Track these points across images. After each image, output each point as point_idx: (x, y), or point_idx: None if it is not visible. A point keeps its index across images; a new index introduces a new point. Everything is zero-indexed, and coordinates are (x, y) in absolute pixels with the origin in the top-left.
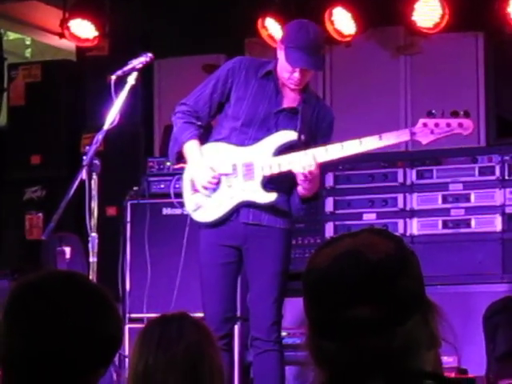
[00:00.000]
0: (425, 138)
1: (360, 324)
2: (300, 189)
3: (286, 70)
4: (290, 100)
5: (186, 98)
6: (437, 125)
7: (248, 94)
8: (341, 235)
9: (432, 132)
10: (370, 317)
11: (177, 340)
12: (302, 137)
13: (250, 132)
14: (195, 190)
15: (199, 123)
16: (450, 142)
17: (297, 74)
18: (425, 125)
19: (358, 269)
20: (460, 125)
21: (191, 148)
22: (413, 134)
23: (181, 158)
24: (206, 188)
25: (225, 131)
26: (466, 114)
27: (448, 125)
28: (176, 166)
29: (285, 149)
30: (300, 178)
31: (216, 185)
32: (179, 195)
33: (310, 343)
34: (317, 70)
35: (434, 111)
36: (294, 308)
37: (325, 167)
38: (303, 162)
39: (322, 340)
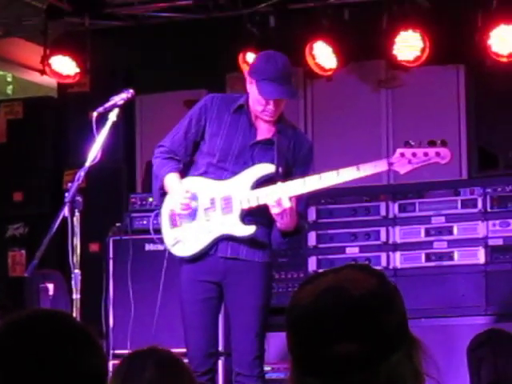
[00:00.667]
0: (402, 168)
1: (343, 360)
2: (277, 224)
3: (259, 104)
4: (264, 132)
5: (163, 140)
6: (414, 154)
7: (222, 129)
8: (323, 271)
9: (410, 162)
10: (352, 353)
11: (139, 376)
12: (280, 169)
13: (227, 167)
14: (174, 225)
15: (178, 158)
16: (433, 175)
17: (271, 106)
18: (402, 155)
19: (341, 305)
20: (437, 154)
21: (171, 179)
22: (390, 164)
23: (164, 194)
24: (185, 209)
25: (202, 167)
26: (443, 143)
27: (425, 154)
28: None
29: (263, 182)
30: (274, 212)
31: (193, 214)
32: (159, 231)
33: (294, 379)
34: (290, 99)
35: (411, 141)
36: (277, 342)
37: (307, 201)
38: (274, 197)
39: (305, 376)
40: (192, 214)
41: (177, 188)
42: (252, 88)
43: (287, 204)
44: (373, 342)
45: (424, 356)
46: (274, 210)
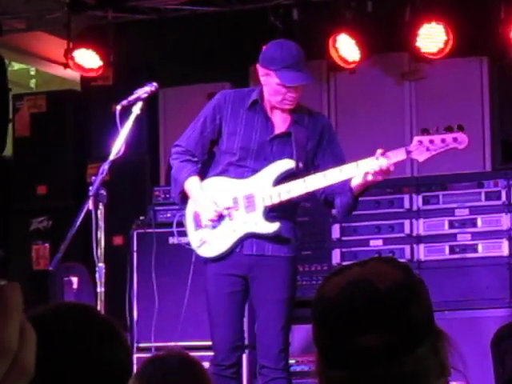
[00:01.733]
0: (421, 156)
1: (370, 352)
2: (360, 186)
3: (278, 93)
4: (280, 125)
5: (178, 140)
6: (431, 141)
7: (238, 127)
8: (349, 264)
9: (428, 149)
10: (378, 345)
11: (162, 380)
12: (300, 164)
13: (247, 164)
14: (199, 226)
15: (195, 159)
16: (456, 167)
17: (292, 93)
18: (420, 142)
19: (368, 297)
20: (455, 139)
21: (192, 184)
22: (409, 152)
23: (184, 197)
24: (212, 221)
25: (222, 166)
26: (460, 128)
27: (443, 140)
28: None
29: (284, 177)
30: (372, 179)
31: (220, 218)
32: (181, 224)
33: (320, 371)
34: (311, 82)
35: (427, 128)
36: (302, 335)
37: None
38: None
39: (331, 368)
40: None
41: (201, 196)
42: (269, 79)
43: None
44: (399, 334)
45: (450, 349)
46: (377, 177)
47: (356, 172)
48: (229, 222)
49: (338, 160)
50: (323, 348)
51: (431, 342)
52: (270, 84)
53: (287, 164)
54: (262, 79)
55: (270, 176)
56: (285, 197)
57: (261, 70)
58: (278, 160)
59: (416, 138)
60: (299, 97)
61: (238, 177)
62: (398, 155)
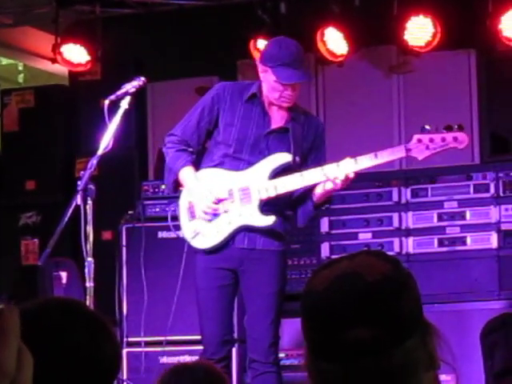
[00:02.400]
0: (420, 154)
1: (357, 345)
2: (317, 197)
3: (276, 90)
4: (277, 120)
5: (173, 129)
6: (431, 140)
7: (236, 119)
8: (338, 258)
9: (427, 147)
10: (367, 338)
11: None
12: (297, 158)
13: (243, 157)
14: (193, 217)
15: (191, 149)
16: (445, 160)
17: (288, 91)
18: (419, 140)
19: (356, 290)
20: (455, 139)
21: (187, 174)
22: (408, 150)
23: (178, 186)
24: (206, 213)
25: (217, 158)
26: (460, 128)
27: (443, 139)
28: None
29: (280, 171)
30: (327, 188)
31: (215, 210)
32: (175, 218)
33: (309, 365)
34: (308, 81)
35: (427, 127)
36: (292, 329)
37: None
38: (335, 174)
39: (320, 362)
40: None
41: (196, 187)
42: (267, 75)
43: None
44: (387, 327)
45: (439, 341)
46: (330, 186)
47: (354, 168)
48: (224, 214)
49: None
50: (312, 341)
51: (420, 335)
52: (268, 81)
53: (284, 158)
54: (261, 76)
55: (266, 169)
56: (281, 190)
57: (260, 67)
58: (274, 154)
59: (416, 137)
60: (297, 95)
61: (233, 169)
62: (397, 153)
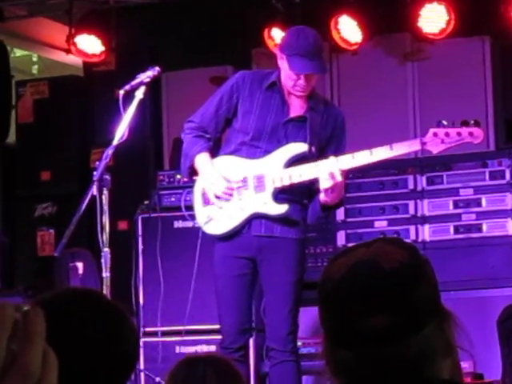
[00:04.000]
0: (435, 148)
1: (375, 333)
2: (322, 196)
3: (290, 79)
4: (296, 109)
5: (192, 116)
6: (447, 134)
7: (254, 107)
8: (355, 245)
9: (442, 141)
10: (384, 326)
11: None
12: (313, 149)
13: (260, 145)
14: (206, 203)
15: (208, 136)
16: (460, 148)
17: (302, 81)
18: (435, 134)
19: (373, 278)
20: (470, 134)
21: (202, 160)
22: (423, 143)
23: (193, 172)
24: (219, 198)
25: (234, 145)
26: (476, 123)
27: (458, 134)
28: (186, 179)
29: (295, 160)
30: (324, 186)
31: (228, 195)
32: (190, 208)
33: (327, 352)
34: (321, 74)
35: (443, 121)
36: (308, 317)
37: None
38: (327, 170)
39: (338, 349)
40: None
41: (211, 172)
42: (283, 63)
43: (339, 178)
44: (404, 314)
45: (456, 328)
46: (326, 184)
47: (370, 159)
48: (238, 200)
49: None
50: (329, 329)
51: (438, 322)
52: (284, 69)
53: (300, 147)
54: (279, 63)
55: (281, 158)
56: (296, 180)
57: (278, 54)
58: (292, 142)
59: (431, 130)
60: (312, 85)
61: (250, 156)
62: (413, 145)
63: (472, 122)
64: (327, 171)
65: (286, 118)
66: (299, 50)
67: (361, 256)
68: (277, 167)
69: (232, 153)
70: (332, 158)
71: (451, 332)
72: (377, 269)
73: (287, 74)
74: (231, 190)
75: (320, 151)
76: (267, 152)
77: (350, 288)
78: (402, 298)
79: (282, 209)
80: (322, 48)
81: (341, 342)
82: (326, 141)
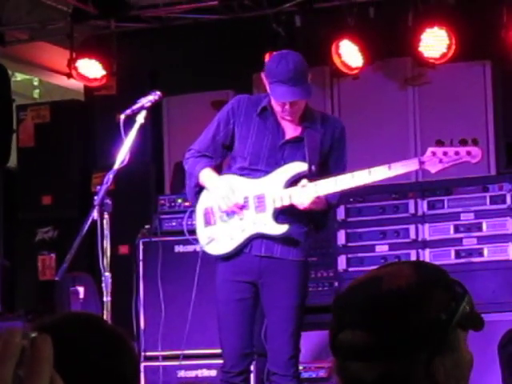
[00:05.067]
0: (433, 167)
1: (349, 348)
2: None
3: (277, 105)
4: (291, 131)
5: (192, 145)
6: (445, 153)
7: (251, 132)
8: (392, 262)
9: (441, 161)
10: (360, 343)
11: None
12: (313, 167)
13: (259, 168)
14: (208, 223)
15: (210, 155)
16: (461, 172)
17: (287, 107)
18: (433, 153)
19: (367, 296)
20: (468, 153)
21: (208, 174)
22: (422, 163)
23: (199, 192)
24: (227, 211)
25: (234, 170)
26: (475, 142)
27: (456, 153)
28: (187, 204)
29: (296, 180)
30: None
31: (238, 208)
32: (192, 232)
33: (335, 362)
34: (304, 99)
35: (442, 140)
36: (310, 342)
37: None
38: (301, 198)
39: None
40: (227, 213)
41: (217, 186)
42: (269, 89)
43: (311, 204)
44: (383, 337)
45: (460, 367)
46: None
47: (368, 179)
48: (238, 221)
49: (339, 169)
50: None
51: (429, 354)
52: (271, 94)
53: (300, 167)
54: (267, 88)
55: (282, 178)
56: (296, 200)
57: (264, 80)
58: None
59: (430, 149)
60: (300, 109)
61: (250, 178)
62: (411, 165)
63: (470, 141)
64: (298, 203)
65: (281, 140)
66: (279, 77)
67: (376, 273)
68: (277, 187)
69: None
70: (311, 184)
71: (444, 368)
72: (375, 287)
73: (274, 100)
74: (240, 205)
75: (322, 165)
76: (267, 173)
77: (346, 301)
78: (384, 321)
79: (282, 229)
80: (304, 72)
81: (332, 349)
82: (328, 152)
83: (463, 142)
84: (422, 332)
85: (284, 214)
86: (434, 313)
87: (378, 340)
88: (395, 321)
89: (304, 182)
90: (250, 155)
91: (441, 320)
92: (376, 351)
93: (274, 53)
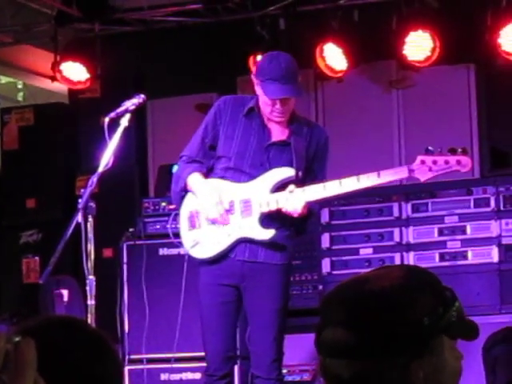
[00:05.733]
0: (423, 175)
1: (331, 344)
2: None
3: (267, 105)
4: (277, 133)
5: (183, 151)
6: (435, 162)
7: (236, 132)
8: (382, 266)
9: (430, 169)
10: (341, 340)
11: None
12: (300, 173)
13: (243, 169)
14: (192, 227)
15: (201, 161)
16: (445, 175)
17: (278, 106)
18: (423, 162)
19: (352, 294)
20: (458, 162)
21: (196, 179)
22: (411, 171)
23: (185, 196)
24: (214, 220)
25: (219, 171)
26: (464, 151)
27: (446, 162)
28: (171, 207)
29: (282, 185)
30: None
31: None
32: (177, 235)
33: (319, 359)
34: (296, 97)
35: (431, 148)
36: (294, 345)
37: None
38: (292, 205)
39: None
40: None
41: (205, 192)
42: (259, 89)
43: (303, 210)
44: (364, 337)
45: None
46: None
47: (356, 186)
48: (224, 225)
49: (321, 177)
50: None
51: (409, 359)
52: (261, 95)
53: (287, 172)
54: (256, 89)
55: (268, 182)
56: (282, 205)
57: (254, 80)
58: (275, 166)
59: (419, 158)
60: (290, 110)
61: (235, 181)
62: (400, 173)
63: (460, 150)
64: (291, 206)
65: (267, 141)
66: (272, 75)
67: (363, 274)
68: (263, 192)
69: (218, 178)
70: (299, 190)
71: (423, 373)
72: (360, 288)
73: (264, 101)
74: (226, 211)
75: (306, 171)
76: (252, 176)
77: (330, 299)
78: (366, 321)
79: (268, 234)
80: (295, 72)
81: (316, 346)
82: (312, 160)
83: (453, 151)
84: (401, 334)
85: (269, 218)
86: (416, 316)
87: (357, 339)
88: (375, 321)
89: (291, 187)
90: (235, 155)
91: (423, 324)
92: (354, 350)
93: (265, 53)
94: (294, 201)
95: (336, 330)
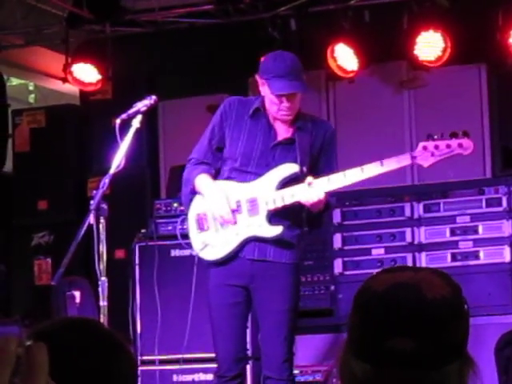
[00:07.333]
0: (426, 161)
1: (400, 355)
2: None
3: (274, 103)
4: (282, 132)
5: (191, 154)
6: (437, 147)
7: (242, 133)
8: (401, 266)
9: (432, 154)
10: (411, 350)
11: None
12: (304, 169)
13: (250, 170)
14: (201, 229)
15: (209, 162)
16: (457, 175)
17: (285, 103)
18: (425, 148)
19: (413, 302)
20: (460, 145)
21: (204, 181)
22: (413, 157)
23: (194, 198)
24: (223, 221)
25: (225, 173)
26: (465, 134)
27: (448, 146)
28: (183, 208)
29: (287, 181)
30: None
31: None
32: (186, 236)
33: (343, 360)
34: (302, 92)
35: (433, 134)
36: (305, 345)
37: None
38: (308, 196)
39: (356, 361)
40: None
41: (213, 193)
42: (264, 89)
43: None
44: (432, 346)
45: (474, 377)
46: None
47: (361, 177)
48: (232, 225)
49: (330, 170)
50: (355, 338)
51: (460, 365)
52: (267, 94)
53: (291, 168)
54: (261, 89)
55: (273, 180)
56: (288, 201)
57: (259, 80)
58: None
59: (421, 144)
60: (296, 107)
61: (241, 181)
62: (403, 160)
63: (461, 133)
64: (308, 197)
65: (273, 142)
66: (277, 72)
67: (407, 278)
68: (269, 189)
69: (225, 180)
70: (303, 184)
71: (467, 379)
72: (419, 294)
73: (270, 99)
74: (233, 211)
75: (312, 167)
76: (258, 176)
77: (390, 304)
78: (434, 330)
79: (276, 231)
80: (300, 69)
81: (362, 352)
82: (317, 155)
83: (454, 135)
84: (462, 344)
85: (277, 216)
86: (466, 326)
87: (427, 349)
88: (443, 331)
89: (310, 179)
90: (241, 156)
91: (469, 330)
92: (424, 360)
93: (268, 53)
94: (311, 192)
95: (405, 341)
